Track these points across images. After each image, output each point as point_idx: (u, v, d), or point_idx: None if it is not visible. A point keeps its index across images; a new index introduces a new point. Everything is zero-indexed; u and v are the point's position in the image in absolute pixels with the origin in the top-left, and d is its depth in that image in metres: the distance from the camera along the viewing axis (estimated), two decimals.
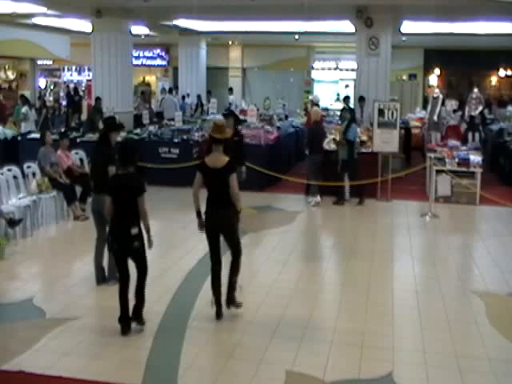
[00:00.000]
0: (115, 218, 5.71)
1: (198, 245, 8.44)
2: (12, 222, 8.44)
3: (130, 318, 5.70)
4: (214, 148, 5.86)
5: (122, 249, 5.70)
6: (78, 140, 13.14)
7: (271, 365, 5.11)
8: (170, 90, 21.54)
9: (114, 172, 6.57)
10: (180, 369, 5.02)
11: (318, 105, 13.80)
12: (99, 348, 5.45)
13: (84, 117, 19.73)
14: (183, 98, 20.97)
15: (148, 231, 5.70)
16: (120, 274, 5.82)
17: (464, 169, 11.62)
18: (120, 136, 7.71)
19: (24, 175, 9.76)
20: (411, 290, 6.99)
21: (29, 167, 9.93)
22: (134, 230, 5.60)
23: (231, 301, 6.09)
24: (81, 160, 11.26)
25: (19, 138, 14.03)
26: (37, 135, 12.54)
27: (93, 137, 13.45)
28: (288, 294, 6.77)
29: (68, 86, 24.55)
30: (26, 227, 8.96)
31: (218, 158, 5.81)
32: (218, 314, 5.98)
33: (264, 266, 7.98)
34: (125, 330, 5.64)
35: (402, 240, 9.22)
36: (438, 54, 24.22)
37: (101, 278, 6.96)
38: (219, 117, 17.48)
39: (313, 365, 5.10)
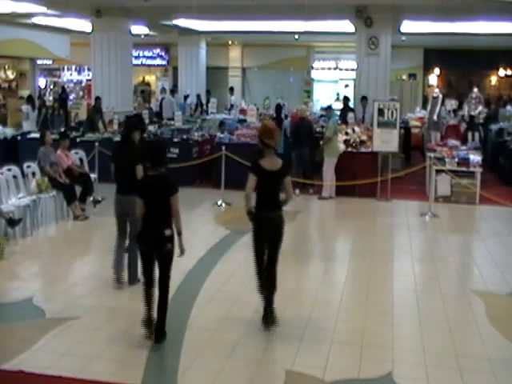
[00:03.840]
0: (146, 220, 5.52)
1: (198, 245, 8.46)
2: (12, 222, 8.44)
3: (152, 322, 5.51)
4: (267, 151, 5.72)
5: (153, 252, 5.48)
6: (78, 140, 13.15)
7: (271, 365, 5.11)
8: (172, 91, 21.51)
9: (141, 171, 6.48)
10: (180, 369, 5.02)
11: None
12: (99, 348, 5.44)
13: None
14: (185, 98, 20.92)
15: (180, 234, 5.47)
16: (146, 278, 5.60)
17: (464, 168, 11.63)
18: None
19: (24, 175, 9.75)
20: (411, 290, 6.99)
21: (29, 167, 9.93)
22: (168, 232, 5.41)
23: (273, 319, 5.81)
24: (80, 160, 11.27)
25: (19, 137, 14.04)
26: (37, 135, 12.54)
27: (92, 136, 13.48)
28: (288, 293, 6.77)
29: (63, 87, 24.68)
30: (26, 227, 8.96)
31: (274, 161, 5.73)
32: (272, 321, 5.77)
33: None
34: (151, 334, 5.47)
35: (402, 240, 9.22)
36: (437, 53, 24.20)
37: (121, 281, 6.83)
38: (219, 116, 17.54)
39: (313, 365, 5.10)
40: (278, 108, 13.12)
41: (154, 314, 5.52)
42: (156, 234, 5.42)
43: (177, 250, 5.50)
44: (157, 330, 5.45)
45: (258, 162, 5.73)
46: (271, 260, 5.84)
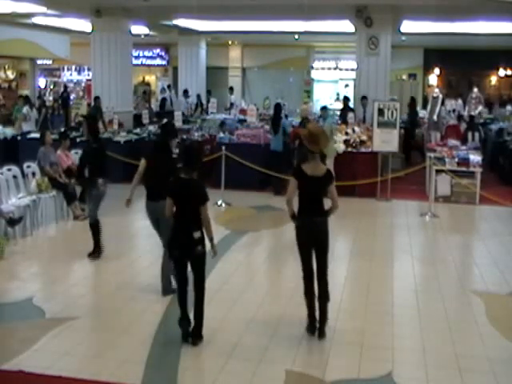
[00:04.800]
0: (176, 223, 5.52)
1: None
2: (12, 221, 8.44)
3: (190, 322, 5.51)
4: (311, 157, 5.60)
5: (184, 254, 5.47)
6: (78, 140, 13.14)
7: (271, 365, 5.11)
8: (169, 86, 21.56)
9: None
10: (180, 369, 5.02)
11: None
12: (99, 348, 5.44)
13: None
14: (185, 92, 20.86)
15: (211, 240, 5.48)
16: (179, 279, 5.63)
17: (464, 168, 11.63)
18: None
19: (24, 175, 9.76)
20: (411, 290, 6.99)
21: (29, 167, 9.93)
22: (197, 234, 5.38)
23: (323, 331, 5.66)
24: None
25: (19, 137, 14.04)
26: (37, 135, 12.54)
27: None
28: (288, 293, 6.77)
29: (65, 86, 24.71)
30: (26, 227, 8.96)
31: (317, 167, 5.63)
32: (313, 328, 5.67)
33: (264, 265, 7.98)
34: (186, 335, 5.47)
35: (402, 240, 9.22)
36: (437, 53, 24.21)
37: (169, 288, 6.58)
38: (219, 116, 17.53)
39: (313, 364, 5.11)
40: (278, 107, 13.11)
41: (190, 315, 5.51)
42: (186, 237, 5.40)
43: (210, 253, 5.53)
44: (194, 332, 5.45)
45: (300, 167, 5.67)
46: (319, 267, 5.68)
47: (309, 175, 5.57)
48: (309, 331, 5.67)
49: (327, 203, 5.66)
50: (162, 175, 6.44)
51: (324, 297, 5.66)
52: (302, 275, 5.74)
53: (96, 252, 7.93)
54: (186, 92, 20.41)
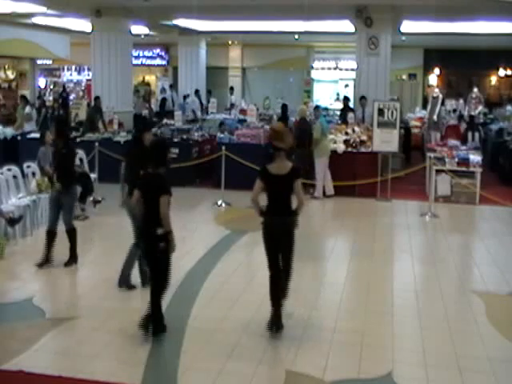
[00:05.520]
0: (143, 218, 5.68)
1: (198, 245, 8.46)
2: (12, 221, 8.43)
3: (163, 317, 5.65)
4: (277, 155, 5.59)
5: (149, 249, 5.64)
6: (78, 140, 13.14)
7: (271, 365, 5.11)
8: (171, 86, 21.56)
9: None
10: (180, 369, 5.02)
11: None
12: (99, 348, 5.44)
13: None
14: (184, 97, 20.95)
15: (169, 233, 5.52)
16: (150, 273, 5.72)
17: (464, 168, 11.63)
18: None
19: (24, 175, 9.75)
20: (411, 290, 6.99)
21: (28, 167, 9.93)
22: (160, 231, 5.49)
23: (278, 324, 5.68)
24: (80, 160, 11.25)
25: (19, 137, 14.04)
26: (37, 135, 12.53)
27: (92, 136, 13.48)
28: (288, 293, 6.76)
29: (64, 86, 24.74)
30: (26, 227, 8.96)
31: (282, 165, 5.60)
32: (279, 326, 5.65)
33: (264, 265, 7.95)
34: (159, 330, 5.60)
35: (402, 240, 9.22)
36: (437, 53, 24.21)
37: (124, 282, 6.76)
38: (219, 116, 17.55)
39: (313, 365, 5.10)
40: (284, 107, 13.18)
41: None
42: (149, 232, 5.56)
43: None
44: (154, 322, 5.59)
45: (265, 167, 5.67)
46: (284, 267, 5.72)
47: (273, 174, 5.58)
48: (270, 328, 5.64)
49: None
50: (135, 170, 6.56)
51: (283, 293, 5.71)
52: (270, 275, 5.74)
53: (72, 260, 7.59)
54: (197, 92, 20.46)
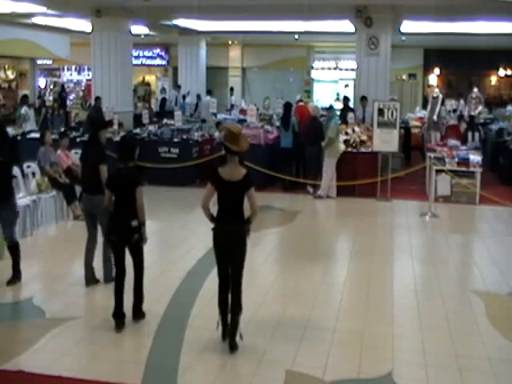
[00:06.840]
0: (115, 212, 5.82)
1: (198, 244, 8.45)
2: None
3: (123, 315, 5.80)
4: (229, 158, 5.23)
5: (122, 241, 5.79)
6: (78, 140, 13.14)
7: (271, 365, 5.11)
8: (179, 86, 21.55)
9: (105, 171, 6.58)
10: (180, 369, 5.02)
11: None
12: (99, 348, 5.44)
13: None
14: (184, 97, 20.97)
15: (142, 224, 5.77)
16: (117, 268, 5.88)
17: (464, 168, 11.62)
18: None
19: (24, 175, 9.75)
20: (411, 290, 6.99)
21: (28, 167, 9.93)
22: (134, 222, 5.72)
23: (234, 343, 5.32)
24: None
25: (19, 137, 14.03)
26: (37, 135, 12.54)
27: None
28: (288, 293, 6.77)
29: (62, 85, 24.76)
30: (26, 227, 8.96)
31: (235, 170, 5.20)
32: (225, 335, 5.42)
33: (264, 265, 7.98)
34: (119, 326, 5.73)
35: (402, 240, 9.21)
36: (437, 53, 24.23)
37: (91, 279, 6.95)
38: (219, 116, 17.53)
39: (313, 365, 5.10)
40: (287, 105, 13.16)
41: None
42: (123, 224, 5.72)
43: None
44: (134, 308, 5.88)
45: (216, 170, 5.26)
46: (233, 279, 5.32)
47: (225, 180, 5.19)
48: (222, 337, 5.44)
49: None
50: (90, 167, 6.83)
51: (235, 309, 5.29)
52: (218, 283, 5.43)
53: (16, 278, 6.99)
54: (209, 92, 20.48)
